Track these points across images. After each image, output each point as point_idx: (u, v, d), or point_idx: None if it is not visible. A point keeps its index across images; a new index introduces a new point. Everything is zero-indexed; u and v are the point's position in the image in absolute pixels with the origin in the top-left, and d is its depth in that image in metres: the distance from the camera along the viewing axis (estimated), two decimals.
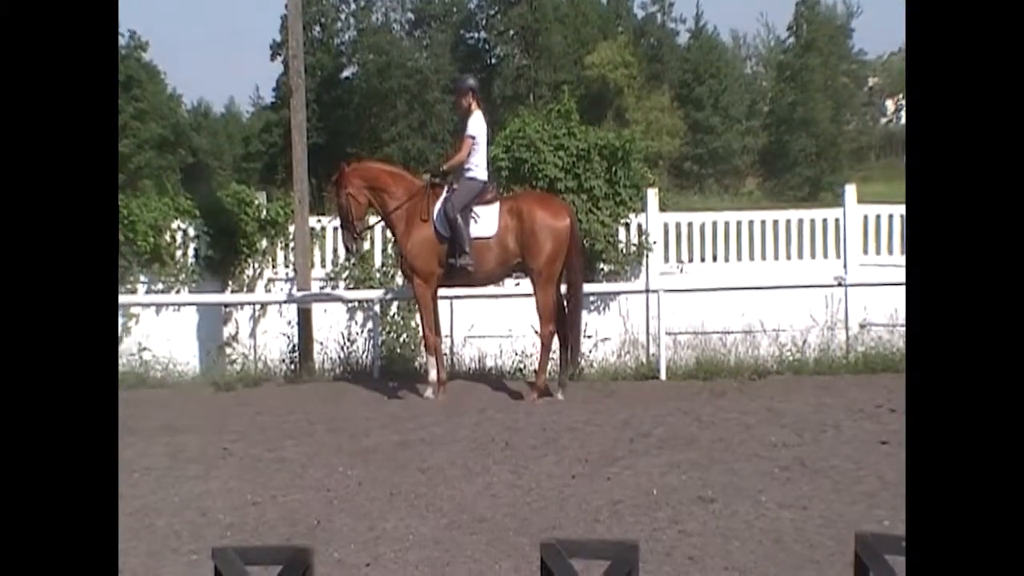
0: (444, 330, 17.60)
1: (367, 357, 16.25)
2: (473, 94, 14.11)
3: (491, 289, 15.83)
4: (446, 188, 13.81)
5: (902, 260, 17.60)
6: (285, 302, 17.29)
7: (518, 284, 16.49)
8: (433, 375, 13.94)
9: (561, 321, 13.79)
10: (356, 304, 17.93)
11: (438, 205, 13.68)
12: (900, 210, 18.38)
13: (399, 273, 18.28)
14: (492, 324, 16.76)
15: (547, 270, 13.56)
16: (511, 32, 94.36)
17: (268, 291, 18.44)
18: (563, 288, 13.86)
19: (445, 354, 16.54)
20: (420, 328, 14.18)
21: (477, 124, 13.87)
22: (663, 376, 14.83)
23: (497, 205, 13.74)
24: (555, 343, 13.91)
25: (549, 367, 13.90)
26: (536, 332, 14.18)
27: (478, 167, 13.83)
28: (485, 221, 13.60)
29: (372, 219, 15.30)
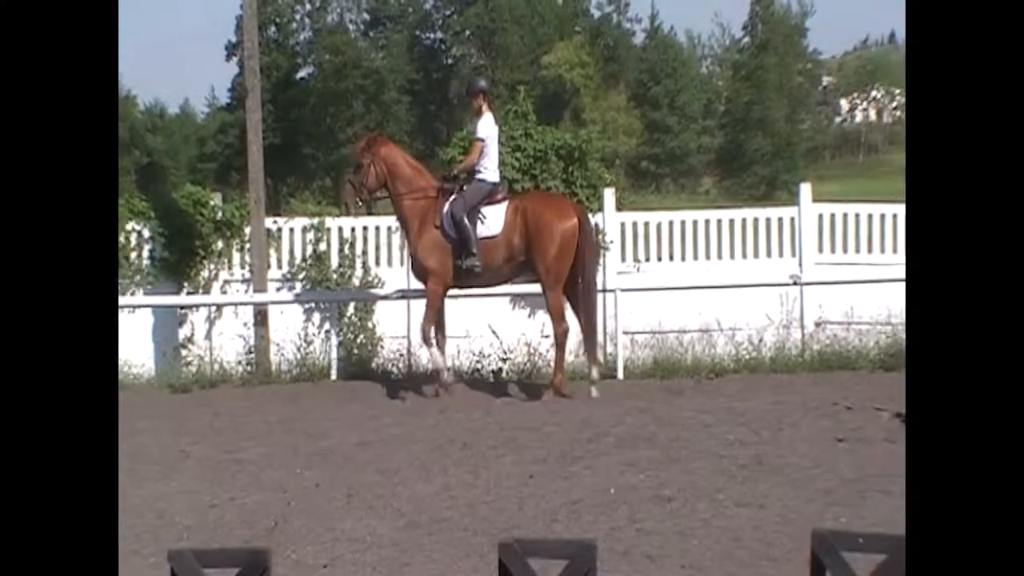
0: (401, 331, 17.59)
1: (324, 358, 16.20)
2: (484, 96, 14.19)
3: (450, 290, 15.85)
4: (456, 190, 13.83)
5: (857, 258, 17.76)
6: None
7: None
8: (445, 376, 13.98)
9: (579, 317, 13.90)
10: (312, 305, 17.87)
11: (446, 207, 13.71)
12: (855, 209, 18.51)
13: (353, 275, 18.28)
14: (450, 325, 16.72)
15: (554, 270, 13.56)
16: (467, 32, 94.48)
17: (224, 292, 18.34)
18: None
19: (403, 354, 16.53)
20: (422, 327, 14.09)
21: (487, 126, 13.92)
22: (621, 375, 14.86)
23: (504, 205, 13.78)
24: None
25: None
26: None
27: (488, 169, 13.88)
28: (492, 221, 13.65)
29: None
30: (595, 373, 13.72)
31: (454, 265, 13.66)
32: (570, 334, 13.78)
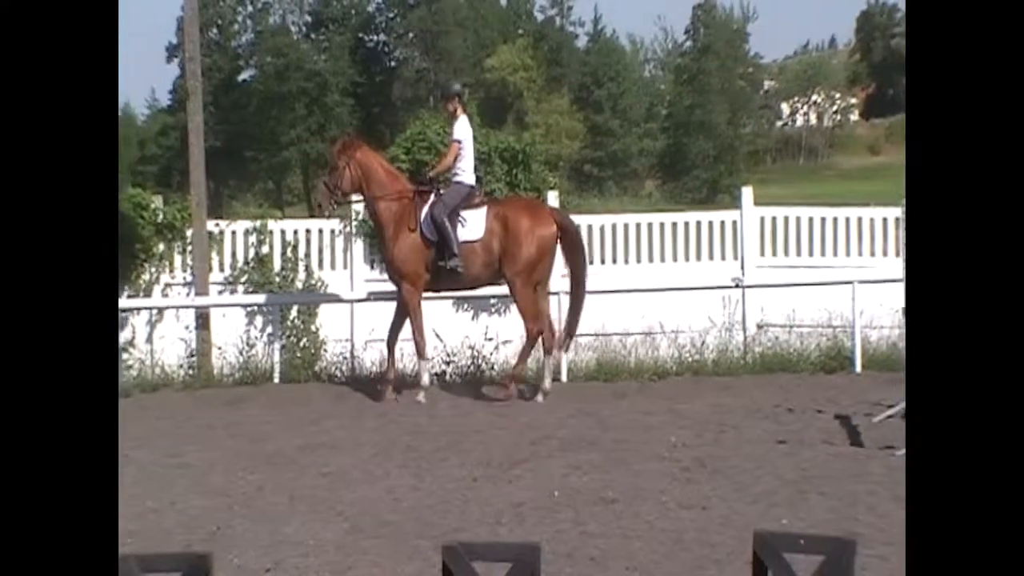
0: (345, 334, 17.54)
1: (267, 362, 16.11)
2: (459, 99, 14.19)
3: (392, 292, 15.84)
4: (433, 193, 13.80)
5: (798, 261, 17.89)
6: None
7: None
8: (426, 379, 13.91)
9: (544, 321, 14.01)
10: (255, 308, 17.77)
11: (425, 210, 13.68)
12: (796, 212, 18.63)
13: (296, 278, 18.20)
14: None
15: (523, 274, 13.61)
16: (411, 35, 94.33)
17: (165, 296, 18.20)
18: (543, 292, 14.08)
19: (346, 358, 16.47)
20: (412, 335, 14.04)
21: (463, 129, 13.91)
22: (564, 378, 14.87)
23: (484, 209, 13.77)
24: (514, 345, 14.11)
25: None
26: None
27: (465, 172, 13.87)
28: (472, 225, 13.62)
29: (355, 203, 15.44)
30: (547, 383, 13.77)
31: (434, 268, 13.65)
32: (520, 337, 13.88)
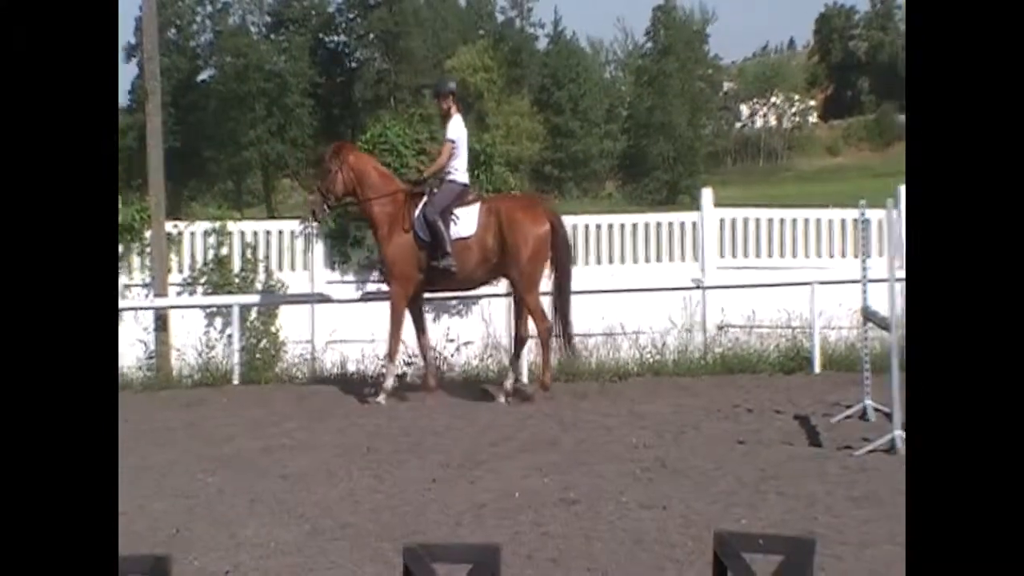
0: (305, 335, 17.49)
1: (227, 363, 16.05)
2: (453, 98, 14.25)
3: (354, 293, 15.85)
4: (426, 193, 13.80)
5: (758, 262, 17.97)
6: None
7: (380, 287, 16.54)
8: (390, 383, 13.79)
9: (522, 321, 14.00)
10: (215, 309, 17.69)
11: (418, 210, 13.66)
12: (755, 213, 18.73)
13: (256, 279, 18.13)
14: (354, 329, 16.66)
15: (527, 274, 13.61)
16: (371, 36, 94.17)
17: (124, 297, 18.08)
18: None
19: (307, 359, 16.44)
20: (389, 344, 14.01)
21: (457, 128, 13.92)
22: (525, 379, 14.88)
23: (477, 206, 13.76)
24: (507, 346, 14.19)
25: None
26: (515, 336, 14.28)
27: (458, 171, 13.87)
28: (465, 222, 13.61)
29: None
30: (509, 384, 13.79)
31: (428, 268, 13.62)
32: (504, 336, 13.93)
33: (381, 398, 13.59)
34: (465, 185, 14.00)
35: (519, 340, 14.13)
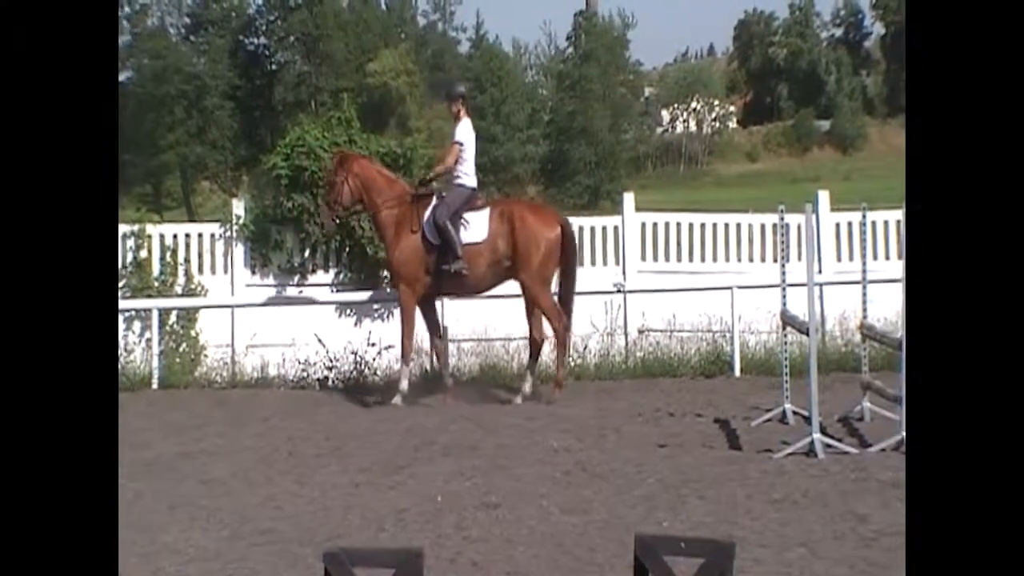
0: (225, 339, 17.33)
1: (145, 367, 15.88)
2: (463, 101, 14.34)
3: (274, 297, 15.79)
4: (435, 196, 13.79)
5: (679, 267, 18.06)
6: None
7: (301, 291, 16.48)
8: (404, 384, 13.79)
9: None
10: (132, 313, 17.46)
11: (427, 213, 13.64)
12: (676, 218, 18.81)
13: (176, 283, 17.95)
14: (275, 333, 16.55)
15: (539, 276, 13.72)
16: (292, 38, 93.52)
17: None
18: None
19: (227, 363, 16.31)
20: (402, 344, 13.96)
21: (465, 131, 13.97)
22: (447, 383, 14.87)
23: (487, 211, 13.82)
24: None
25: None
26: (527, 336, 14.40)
27: (467, 175, 13.90)
28: (475, 227, 13.65)
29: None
30: (528, 387, 13.93)
31: (437, 271, 13.62)
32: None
33: (397, 399, 13.61)
34: (474, 189, 14.06)
35: (533, 343, 14.22)
